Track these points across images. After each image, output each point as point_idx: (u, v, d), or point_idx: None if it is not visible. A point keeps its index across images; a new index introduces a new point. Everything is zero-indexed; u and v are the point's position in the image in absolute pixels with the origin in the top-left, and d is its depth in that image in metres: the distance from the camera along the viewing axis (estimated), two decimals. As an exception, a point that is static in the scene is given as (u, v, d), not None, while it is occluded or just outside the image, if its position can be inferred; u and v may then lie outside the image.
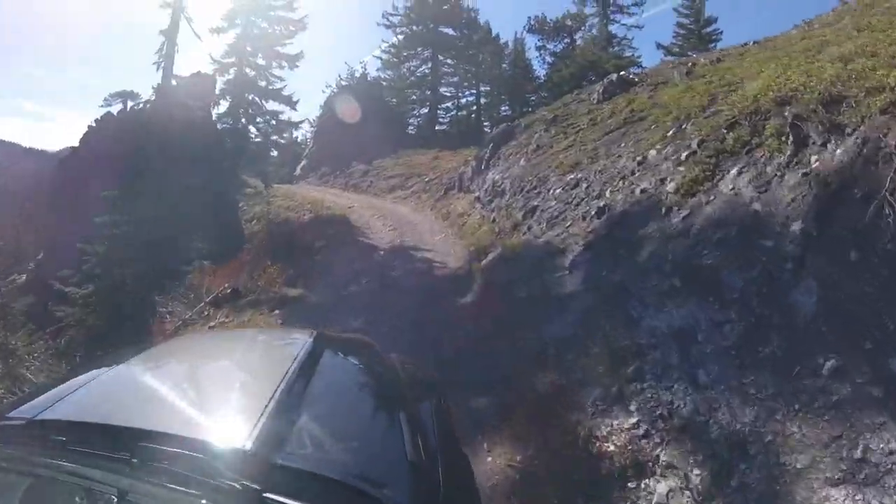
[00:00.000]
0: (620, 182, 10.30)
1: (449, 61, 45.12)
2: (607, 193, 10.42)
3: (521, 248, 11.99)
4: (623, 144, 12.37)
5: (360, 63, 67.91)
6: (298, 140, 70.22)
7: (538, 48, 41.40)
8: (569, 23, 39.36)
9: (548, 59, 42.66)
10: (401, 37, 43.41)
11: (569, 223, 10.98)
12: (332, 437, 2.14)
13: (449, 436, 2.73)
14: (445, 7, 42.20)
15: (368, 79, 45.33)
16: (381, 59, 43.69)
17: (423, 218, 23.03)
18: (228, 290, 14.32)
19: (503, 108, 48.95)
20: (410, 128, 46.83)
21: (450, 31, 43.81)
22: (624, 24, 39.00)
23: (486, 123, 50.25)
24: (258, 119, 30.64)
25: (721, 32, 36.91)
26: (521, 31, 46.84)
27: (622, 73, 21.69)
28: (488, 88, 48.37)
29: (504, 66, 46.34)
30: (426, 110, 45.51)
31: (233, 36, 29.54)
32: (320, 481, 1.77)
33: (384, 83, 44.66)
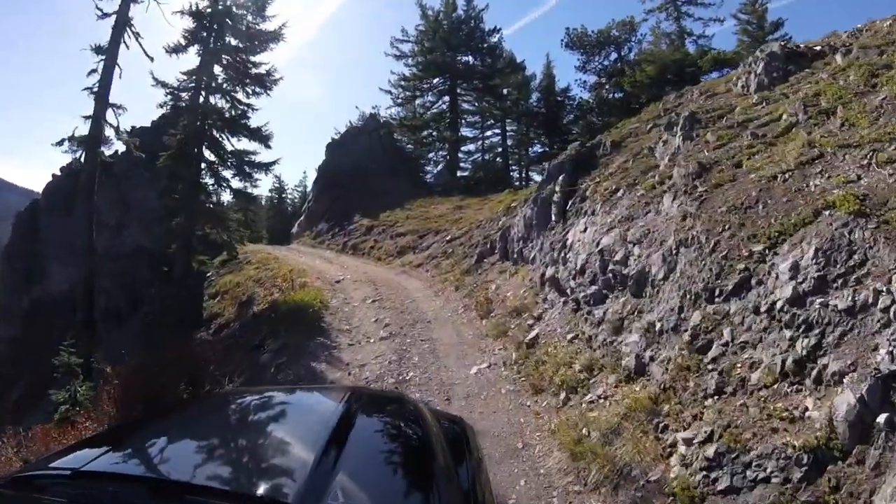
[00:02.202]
0: None
1: (469, 95, 35.48)
2: None
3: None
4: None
5: (358, 111, 57.63)
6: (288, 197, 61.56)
7: (579, 68, 31.63)
8: (615, 33, 29.73)
9: (591, 78, 32.63)
10: (413, 67, 34.02)
11: None
12: (370, 490, 2.02)
13: (484, 488, 2.66)
14: (463, 30, 32.83)
15: (378, 118, 35.77)
16: (390, 93, 34.36)
17: (443, 307, 12.69)
18: None
19: (533, 148, 39.03)
20: (427, 176, 36.95)
21: (469, 60, 34.37)
22: (700, 19, 28.71)
23: (513, 168, 40.29)
24: (219, 163, 21.02)
25: (790, 37, 27.07)
26: (548, 58, 37.18)
27: (783, 43, 11.50)
28: (514, 127, 38.60)
29: (532, 98, 36.65)
30: (444, 154, 35.62)
31: (194, 55, 20.40)
32: None
33: (394, 121, 35.03)
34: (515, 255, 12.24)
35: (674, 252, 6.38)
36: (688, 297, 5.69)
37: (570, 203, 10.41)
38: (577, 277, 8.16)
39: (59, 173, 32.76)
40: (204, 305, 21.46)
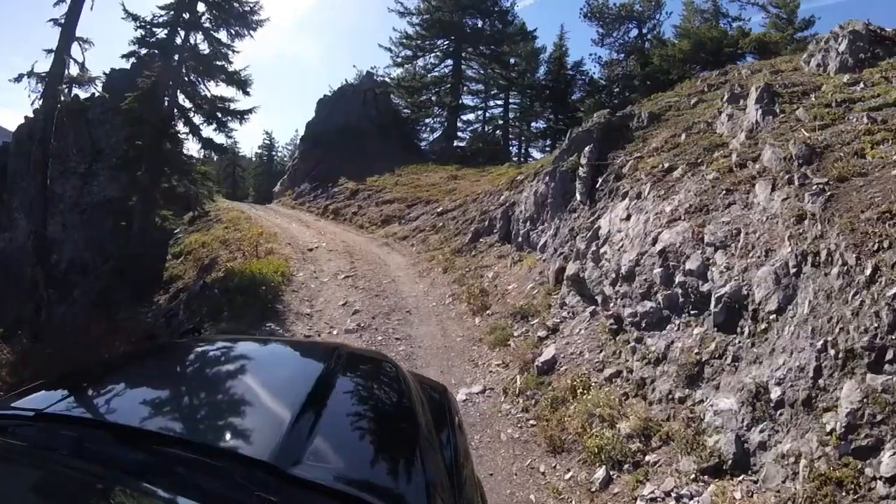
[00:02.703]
0: None
1: (474, 61, 32.50)
2: None
3: None
4: None
5: (355, 69, 53.61)
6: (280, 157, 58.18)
7: (596, 41, 28.66)
8: (638, 7, 26.86)
9: (607, 53, 29.68)
10: (416, 26, 30.85)
11: None
12: (351, 452, 1.93)
13: (464, 454, 2.53)
14: (474, -12, 29.70)
15: (375, 77, 32.66)
16: (390, 51, 31.19)
17: (427, 292, 10.38)
18: None
19: (536, 123, 36.34)
20: (422, 143, 34.04)
21: (477, 23, 31.24)
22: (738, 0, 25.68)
23: (513, 142, 37.61)
24: (193, 109, 18.36)
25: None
26: (562, 29, 34.24)
27: (866, 23, 9.09)
28: (518, 100, 35.79)
29: (540, 71, 33.78)
30: (442, 121, 32.75)
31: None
32: (338, 497, 1.54)
33: (392, 81, 31.94)
34: (520, 239, 9.87)
35: (792, 271, 4.03)
36: (831, 351, 3.37)
37: (599, 181, 7.98)
38: (620, 283, 5.79)
39: (31, 115, 29.62)
40: (166, 265, 18.96)
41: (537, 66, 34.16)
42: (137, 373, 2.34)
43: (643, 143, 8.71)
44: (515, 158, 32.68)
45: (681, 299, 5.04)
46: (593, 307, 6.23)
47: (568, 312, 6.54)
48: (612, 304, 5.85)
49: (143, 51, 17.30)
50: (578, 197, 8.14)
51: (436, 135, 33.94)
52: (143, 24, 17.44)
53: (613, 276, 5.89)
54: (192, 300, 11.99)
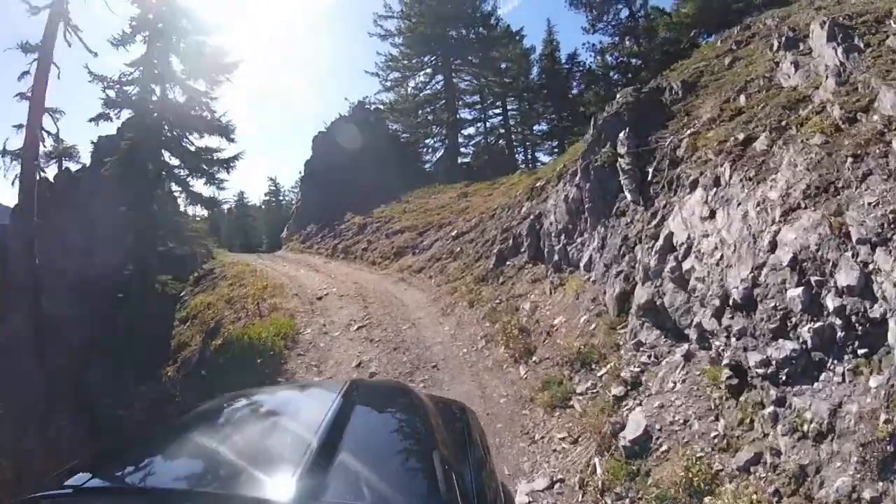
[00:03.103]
0: None
1: (464, 72, 30.98)
2: None
3: None
4: None
5: (347, 102, 52.13)
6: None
7: (586, 29, 26.82)
8: (627, -16, 25.10)
9: (601, 39, 27.87)
10: (400, 46, 29.46)
11: None
12: (369, 483, 1.88)
13: (487, 472, 2.51)
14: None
15: (367, 106, 31.28)
16: (378, 76, 29.78)
17: (455, 335, 8.68)
18: None
19: (539, 126, 34.54)
20: (426, 165, 32.37)
21: (461, 32, 29.68)
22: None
23: (517, 149, 35.86)
24: (180, 165, 17.09)
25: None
26: (549, 24, 32.52)
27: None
28: (516, 106, 34.16)
29: (534, 71, 32.13)
30: (442, 139, 31.18)
31: (142, 45, 16.37)
32: None
33: (385, 107, 30.47)
34: (556, 258, 8.10)
35: None
36: None
37: (650, 171, 6.19)
38: (731, 314, 3.94)
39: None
40: (174, 332, 17.50)
41: (529, 67, 32.51)
42: (165, 438, 2.38)
43: (688, 116, 6.93)
44: (523, 165, 30.95)
45: (839, 333, 3.23)
46: (685, 346, 4.43)
47: (648, 356, 4.72)
48: (719, 344, 4.03)
49: (114, 111, 16.04)
50: (628, 196, 6.33)
51: (438, 154, 32.35)
52: (110, 84, 16.25)
53: (716, 303, 4.08)
54: (188, 379, 10.41)
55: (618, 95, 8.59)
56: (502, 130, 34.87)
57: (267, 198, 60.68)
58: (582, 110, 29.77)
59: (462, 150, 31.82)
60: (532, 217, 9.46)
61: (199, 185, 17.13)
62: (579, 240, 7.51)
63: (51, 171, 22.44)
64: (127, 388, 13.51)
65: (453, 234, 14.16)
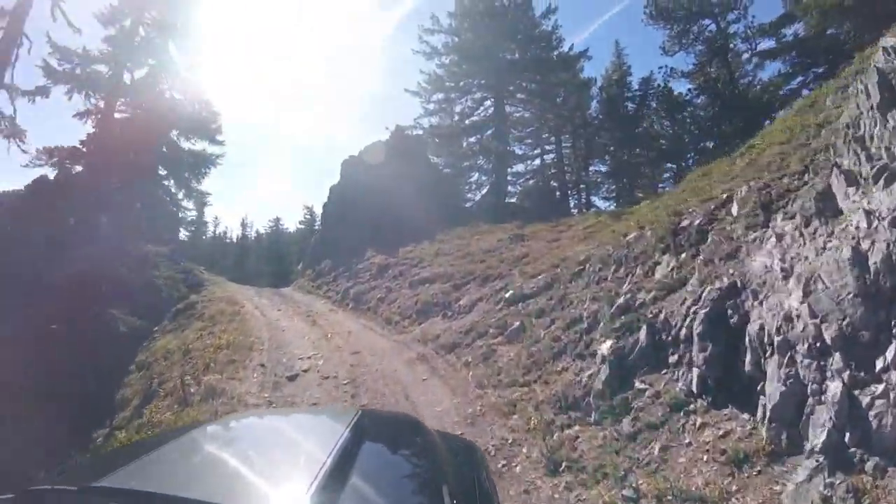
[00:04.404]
0: None
1: (518, 98, 26.32)
2: None
3: None
4: None
5: (388, 130, 48.19)
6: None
7: (664, 49, 21.76)
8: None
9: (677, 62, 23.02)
10: (445, 68, 25.04)
11: None
12: None
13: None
14: (508, 14, 23.78)
15: (405, 131, 26.73)
16: (419, 96, 25.37)
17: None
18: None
19: (594, 166, 29.50)
20: (467, 204, 27.41)
21: (516, 54, 25.03)
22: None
23: (571, 192, 30.70)
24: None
25: None
26: (617, 46, 27.84)
27: None
28: (570, 144, 29.32)
29: (594, 104, 27.32)
30: (487, 176, 26.30)
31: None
32: None
33: (425, 131, 25.88)
34: (824, 426, 2.91)
35: None
36: None
37: None
38: None
39: None
40: (128, 379, 12.89)
41: (589, 99, 27.80)
42: (175, 448, 2.29)
43: None
44: (575, 210, 25.85)
45: None
46: None
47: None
48: None
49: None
50: None
51: (482, 193, 27.42)
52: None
53: None
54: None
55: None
56: (553, 170, 30.00)
57: (301, 226, 56.87)
58: (662, 143, 24.74)
59: (509, 188, 26.84)
60: (715, 295, 4.28)
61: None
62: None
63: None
64: (52, 454, 9.38)
65: (508, 295, 9.01)
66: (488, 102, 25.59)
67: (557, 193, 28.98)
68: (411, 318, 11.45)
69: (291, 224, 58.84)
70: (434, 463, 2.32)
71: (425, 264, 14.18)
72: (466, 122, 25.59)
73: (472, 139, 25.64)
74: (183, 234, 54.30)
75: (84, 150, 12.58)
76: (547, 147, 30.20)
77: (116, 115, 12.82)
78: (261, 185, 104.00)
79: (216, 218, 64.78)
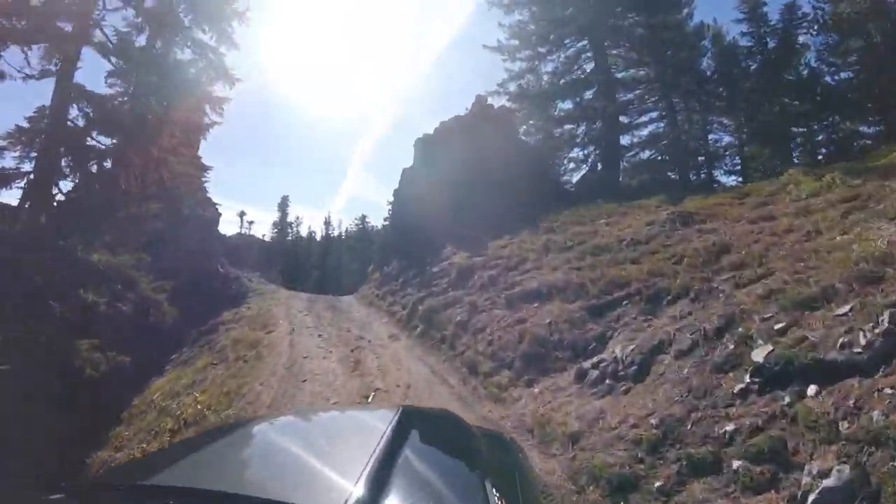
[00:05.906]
0: None
1: (619, 51, 20.06)
2: None
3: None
4: None
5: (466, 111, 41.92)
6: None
7: None
8: None
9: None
10: (531, 22, 19.33)
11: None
12: None
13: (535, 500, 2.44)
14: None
15: (487, 103, 21.30)
16: (501, 52, 19.76)
17: None
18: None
19: (714, 136, 22.71)
20: (566, 185, 21.46)
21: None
22: None
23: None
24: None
25: None
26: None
27: None
28: (683, 106, 22.44)
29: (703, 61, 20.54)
30: (594, 139, 20.25)
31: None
32: None
33: (510, 96, 20.21)
34: None
35: None
36: None
37: None
38: None
39: None
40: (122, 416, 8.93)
41: (701, 50, 21.13)
42: (219, 446, 2.20)
43: None
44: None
45: None
46: None
47: None
48: None
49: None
50: None
51: (582, 172, 21.40)
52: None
53: None
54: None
55: None
56: (663, 142, 23.33)
57: (386, 223, 53.12)
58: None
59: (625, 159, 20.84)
60: None
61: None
62: None
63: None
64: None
65: (709, 328, 3.57)
66: (588, 54, 19.63)
67: (673, 168, 22.46)
68: (512, 366, 6.28)
69: (378, 220, 55.15)
70: (476, 458, 2.23)
71: (529, 266, 8.94)
72: (561, 82, 19.74)
73: (570, 103, 19.78)
74: (267, 236, 52.95)
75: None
76: (652, 115, 23.53)
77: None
78: (349, 182, 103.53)
79: (298, 218, 62.91)
